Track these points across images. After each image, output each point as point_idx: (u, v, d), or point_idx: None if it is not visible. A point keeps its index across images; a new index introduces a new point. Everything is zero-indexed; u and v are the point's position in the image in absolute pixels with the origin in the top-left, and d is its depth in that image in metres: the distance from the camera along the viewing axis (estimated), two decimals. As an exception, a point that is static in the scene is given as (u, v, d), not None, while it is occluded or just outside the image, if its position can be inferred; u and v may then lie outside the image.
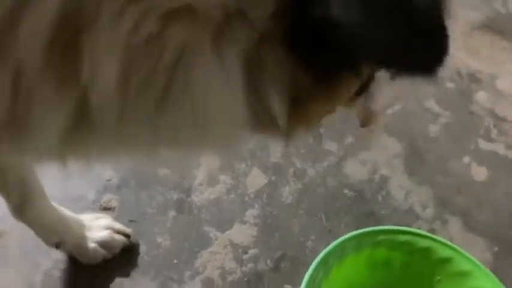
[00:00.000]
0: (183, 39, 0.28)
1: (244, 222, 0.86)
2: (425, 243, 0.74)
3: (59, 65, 0.28)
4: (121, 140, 0.34)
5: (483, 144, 1.05)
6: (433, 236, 0.75)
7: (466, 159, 1.01)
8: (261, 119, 0.34)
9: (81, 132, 0.32)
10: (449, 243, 0.73)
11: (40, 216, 0.70)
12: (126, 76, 0.29)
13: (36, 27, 0.26)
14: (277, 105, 0.33)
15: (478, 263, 0.71)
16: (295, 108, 0.35)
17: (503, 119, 1.11)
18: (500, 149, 1.05)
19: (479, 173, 0.99)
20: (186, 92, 0.30)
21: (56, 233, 0.73)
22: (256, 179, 0.93)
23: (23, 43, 0.27)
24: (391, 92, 1.14)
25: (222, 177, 0.93)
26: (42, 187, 0.69)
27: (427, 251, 0.74)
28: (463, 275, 0.70)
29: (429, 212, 0.91)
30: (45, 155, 0.37)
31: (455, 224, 0.90)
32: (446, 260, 0.73)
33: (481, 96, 1.16)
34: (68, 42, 0.27)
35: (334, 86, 0.36)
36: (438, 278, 0.72)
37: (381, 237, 0.75)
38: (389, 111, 1.10)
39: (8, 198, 0.66)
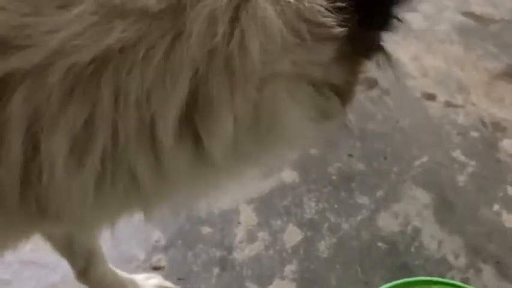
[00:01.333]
0: (271, 95, 0.37)
1: (283, 278, 0.92)
2: None
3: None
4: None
5: (512, 191, 1.08)
6: (466, 286, 0.77)
7: (496, 206, 1.05)
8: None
9: None
10: None
11: (101, 279, 0.77)
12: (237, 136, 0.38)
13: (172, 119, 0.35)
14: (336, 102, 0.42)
15: None
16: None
17: (531, 166, 1.14)
18: (529, 195, 1.07)
19: (510, 219, 1.02)
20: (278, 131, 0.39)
21: (114, 293, 0.80)
22: (293, 235, 0.99)
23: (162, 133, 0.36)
24: (418, 144, 1.19)
25: (260, 234, 0.99)
26: (103, 253, 0.77)
27: None
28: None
29: (462, 260, 0.94)
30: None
31: (488, 272, 0.92)
32: None
33: (507, 144, 1.20)
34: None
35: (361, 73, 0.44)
36: None
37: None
38: (417, 162, 1.15)
39: (73, 264, 0.75)
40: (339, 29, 0.37)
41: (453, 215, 1.03)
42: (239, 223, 1.02)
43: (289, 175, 1.12)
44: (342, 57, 0.39)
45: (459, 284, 0.78)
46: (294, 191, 1.09)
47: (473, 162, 1.15)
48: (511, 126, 1.25)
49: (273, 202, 1.06)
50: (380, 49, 0.42)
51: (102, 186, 0.36)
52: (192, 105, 0.35)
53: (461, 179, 1.11)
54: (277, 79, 0.37)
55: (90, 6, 0.32)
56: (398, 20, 0.41)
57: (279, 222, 1.02)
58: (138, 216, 0.95)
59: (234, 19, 0.34)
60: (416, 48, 1.53)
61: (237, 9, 0.34)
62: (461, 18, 1.60)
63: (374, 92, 1.35)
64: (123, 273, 0.83)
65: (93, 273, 0.76)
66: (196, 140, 0.37)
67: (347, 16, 0.37)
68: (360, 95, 1.34)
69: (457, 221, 1.02)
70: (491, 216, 1.03)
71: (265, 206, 1.05)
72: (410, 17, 1.60)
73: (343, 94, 0.42)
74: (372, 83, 1.38)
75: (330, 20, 0.36)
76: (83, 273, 0.75)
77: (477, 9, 1.63)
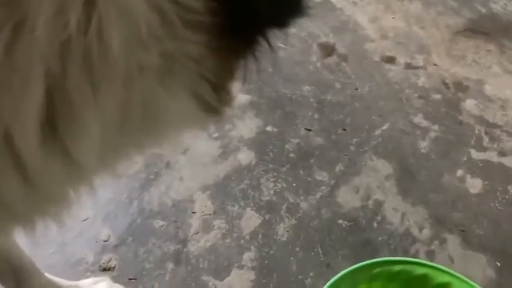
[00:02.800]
0: (142, 92, 0.32)
1: (242, 267, 0.87)
2: (421, 270, 0.74)
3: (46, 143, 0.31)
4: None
5: (475, 154, 1.04)
6: (429, 263, 0.74)
7: (460, 172, 1.01)
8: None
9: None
10: (446, 268, 0.72)
11: (38, 294, 0.71)
12: (104, 135, 0.32)
13: (29, 119, 0.29)
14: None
15: (476, 286, 0.70)
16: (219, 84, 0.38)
17: (494, 125, 1.10)
18: (493, 156, 1.04)
19: (474, 185, 0.99)
20: (158, 123, 0.35)
21: (57, 306, 0.75)
22: (250, 220, 0.94)
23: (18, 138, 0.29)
24: (378, 112, 1.14)
25: (216, 222, 0.94)
26: (35, 266, 0.71)
27: (424, 278, 0.73)
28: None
29: (426, 232, 0.91)
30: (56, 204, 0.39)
31: (453, 242, 0.89)
32: (445, 286, 0.72)
33: (470, 104, 1.16)
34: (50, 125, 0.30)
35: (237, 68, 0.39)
36: None
37: (376, 269, 0.74)
38: (377, 131, 1.10)
39: (2, 283, 0.68)
40: (210, 17, 0.31)
41: (416, 184, 0.99)
42: (194, 213, 0.96)
43: (245, 156, 1.06)
44: (215, 51, 0.33)
45: (421, 261, 0.74)
46: (251, 172, 1.03)
47: (435, 127, 1.10)
48: (473, 85, 1.20)
49: (229, 186, 1.01)
50: (257, 43, 0.36)
51: None
52: (52, 107, 0.30)
53: (423, 145, 1.07)
54: (146, 74, 0.32)
55: None
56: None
57: (236, 207, 0.97)
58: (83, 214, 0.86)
59: (90, 3, 0.28)
60: (375, 8, 1.46)
61: None
62: (420, -26, 1.53)
63: (331, 60, 1.28)
64: (65, 282, 0.77)
65: None
66: (64, 146, 0.32)
67: (218, 4, 0.31)
68: (317, 63, 1.28)
69: (420, 190, 0.98)
70: (455, 183, 0.99)
71: (221, 191, 1.00)
72: (368, -24, 1.53)
73: (220, 91, 0.36)
74: (330, 50, 1.31)
75: (200, 5, 0.30)
76: (15, 292, 0.69)
77: (436, -37, 1.56)
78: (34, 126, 0.29)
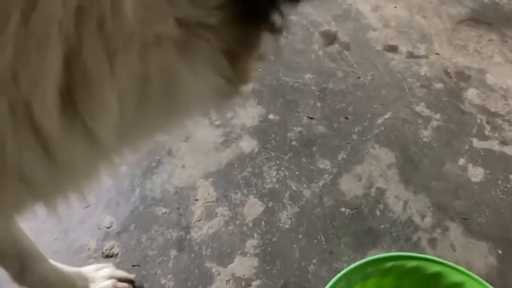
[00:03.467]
0: (161, 65, 0.31)
1: (245, 254, 0.87)
2: (435, 268, 0.72)
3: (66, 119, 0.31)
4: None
5: (477, 143, 1.04)
6: (443, 261, 0.72)
7: (461, 161, 1.01)
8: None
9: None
10: (460, 268, 0.71)
11: (42, 280, 0.71)
12: (123, 111, 0.32)
13: (49, 92, 0.29)
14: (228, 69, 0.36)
15: (489, 286, 0.69)
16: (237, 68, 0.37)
17: (496, 114, 1.10)
18: (495, 145, 1.04)
19: (476, 173, 0.99)
20: (179, 100, 0.34)
21: (60, 292, 0.74)
22: (253, 208, 0.94)
23: (39, 110, 0.29)
24: (380, 101, 1.14)
25: (219, 210, 0.94)
26: (39, 251, 0.70)
27: (438, 276, 0.72)
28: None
29: (428, 220, 0.91)
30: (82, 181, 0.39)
31: (455, 230, 0.90)
32: (459, 285, 0.71)
33: (471, 93, 1.16)
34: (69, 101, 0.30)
35: (255, 44, 0.38)
36: None
37: (389, 264, 0.73)
38: (380, 120, 1.10)
39: (7, 268, 0.68)
40: None
41: (418, 173, 0.99)
42: (196, 200, 0.96)
43: (248, 144, 1.06)
44: (233, 21, 0.32)
45: (436, 259, 0.72)
46: (253, 160, 1.03)
47: (437, 116, 1.10)
48: (475, 74, 1.20)
49: (232, 174, 1.01)
50: (273, 12, 0.35)
51: None
52: (70, 80, 0.29)
53: (425, 134, 1.07)
54: (164, 45, 0.31)
55: None
56: None
57: (238, 195, 0.97)
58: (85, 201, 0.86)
59: None
60: (377, -3, 1.45)
61: None
62: (422, -38, 1.52)
63: (333, 48, 1.28)
64: (69, 268, 0.77)
65: (31, 275, 0.69)
66: (83, 121, 0.31)
67: None
68: (319, 52, 1.27)
69: (422, 179, 0.98)
70: (457, 171, 0.99)
71: (224, 179, 1.00)
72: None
73: (238, 68, 0.36)
74: (331, 38, 1.31)
75: None
76: (19, 277, 0.68)
77: (438, -49, 1.55)
78: (53, 97, 0.28)
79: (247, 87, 0.42)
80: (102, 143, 0.32)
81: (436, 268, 0.72)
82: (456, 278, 0.71)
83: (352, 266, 0.69)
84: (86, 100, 0.30)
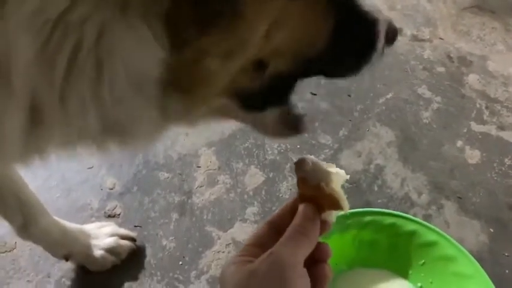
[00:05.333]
0: (97, 20, 0.32)
1: (245, 220, 0.89)
2: (411, 226, 0.76)
3: None
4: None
5: (475, 127, 1.07)
6: (419, 220, 0.76)
7: (459, 143, 1.03)
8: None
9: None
10: (434, 227, 0.75)
11: (45, 233, 0.72)
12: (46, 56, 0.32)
13: None
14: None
15: (461, 248, 0.72)
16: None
17: (495, 100, 1.13)
18: (492, 130, 1.06)
19: (473, 155, 1.01)
20: (115, 61, 0.34)
21: (63, 246, 0.76)
22: (254, 177, 0.96)
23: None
24: (383, 81, 1.16)
25: (221, 178, 0.96)
26: (42, 205, 0.71)
27: (413, 234, 0.76)
28: (447, 259, 0.72)
29: (424, 198, 0.93)
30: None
31: (450, 208, 0.92)
32: (432, 244, 0.74)
33: (472, 79, 1.17)
34: None
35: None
36: (423, 261, 0.74)
37: (368, 218, 0.77)
38: (382, 100, 1.12)
39: (10, 221, 0.69)
40: None
41: (417, 152, 1.01)
42: (199, 167, 0.98)
43: (250, 116, 1.07)
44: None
45: (412, 217, 0.76)
46: (256, 132, 1.04)
47: (438, 99, 1.12)
48: (477, 60, 1.22)
49: (234, 145, 1.02)
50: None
51: None
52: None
53: (425, 115, 1.09)
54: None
55: None
56: None
57: (240, 164, 0.98)
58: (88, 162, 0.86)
59: None
60: (384, -20, 1.46)
61: None
62: None
63: (339, 27, 1.29)
64: (71, 224, 0.79)
65: (34, 228, 0.70)
66: None
67: None
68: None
69: (421, 158, 1.00)
70: (455, 153, 1.02)
71: (226, 148, 1.01)
72: None
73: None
74: (337, 17, 1.31)
75: None
76: (23, 230, 0.70)
77: None
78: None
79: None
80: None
81: (412, 226, 0.76)
82: (430, 237, 0.74)
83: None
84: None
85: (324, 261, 0.46)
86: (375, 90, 1.13)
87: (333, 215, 0.47)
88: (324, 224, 0.46)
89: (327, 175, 0.45)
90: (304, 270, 0.42)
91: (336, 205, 0.45)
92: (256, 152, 1.00)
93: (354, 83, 1.15)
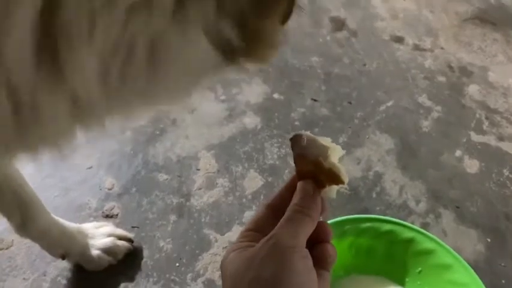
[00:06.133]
0: (148, 31, 0.30)
1: (243, 224, 0.89)
2: (408, 234, 0.75)
3: (46, 72, 0.29)
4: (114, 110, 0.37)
5: (475, 137, 1.07)
6: (417, 228, 0.76)
7: (458, 152, 1.04)
8: (227, 53, 0.35)
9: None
10: (432, 235, 0.74)
11: (43, 232, 0.72)
12: (106, 73, 0.31)
13: (22, 37, 0.27)
14: (234, 34, 0.33)
15: (458, 256, 0.72)
16: (250, 35, 0.35)
17: (495, 111, 1.13)
18: (491, 140, 1.07)
19: (471, 165, 1.02)
20: (167, 68, 0.32)
21: (60, 245, 0.76)
22: (253, 181, 0.96)
23: (11, 56, 0.27)
24: (383, 88, 1.16)
25: (220, 181, 0.96)
26: (41, 203, 0.71)
27: (410, 242, 0.75)
28: (444, 267, 0.72)
29: (422, 206, 0.94)
30: (62, 138, 0.38)
31: (448, 217, 0.92)
32: (429, 252, 0.74)
33: (473, 89, 1.18)
34: (49, 53, 0.29)
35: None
36: (420, 269, 0.74)
37: (365, 224, 0.76)
38: (382, 107, 1.12)
39: (9, 218, 0.68)
40: None
41: (416, 160, 1.02)
42: (198, 169, 0.98)
43: (251, 120, 1.07)
44: None
45: (410, 225, 0.76)
46: (256, 136, 1.05)
47: (438, 108, 1.12)
48: (477, 71, 1.23)
49: (234, 148, 1.02)
50: None
51: None
52: (49, 31, 0.28)
53: (425, 124, 1.09)
54: (153, 8, 0.29)
55: None
56: None
57: (239, 168, 0.99)
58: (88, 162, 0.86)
59: None
60: (387, -11, 1.47)
61: None
62: (433, -41, 1.54)
63: (341, 34, 1.29)
64: (69, 223, 0.78)
65: (32, 226, 0.70)
66: (64, 79, 0.30)
67: None
68: (327, 37, 1.29)
69: (420, 166, 1.00)
70: (454, 162, 1.02)
71: (225, 152, 1.01)
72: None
73: (252, 34, 0.34)
74: (340, 25, 1.32)
75: None
76: (21, 228, 0.69)
77: (450, -51, 1.56)
78: (27, 44, 0.27)
79: (269, 59, 0.40)
80: (85, 102, 0.32)
81: (409, 234, 0.75)
82: (428, 245, 0.74)
83: (330, 221, 0.72)
84: (65, 56, 0.29)
85: (327, 241, 0.44)
86: (376, 97, 1.14)
87: (333, 191, 0.45)
88: (324, 202, 0.45)
89: (324, 150, 0.44)
90: (306, 251, 0.41)
91: (336, 179, 0.44)
92: (256, 156, 1.01)
93: (355, 90, 1.15)
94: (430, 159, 1.02)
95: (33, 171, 0.89)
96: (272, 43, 0.38)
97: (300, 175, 0.46)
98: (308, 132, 0.45)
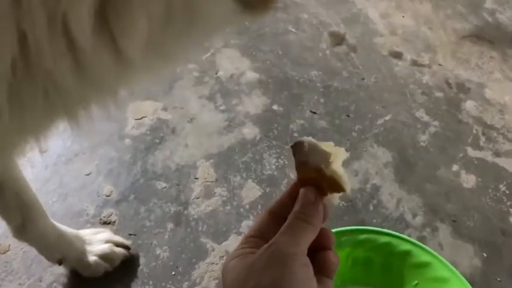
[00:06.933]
0: None
1: (240, 233, 0.89)
2: (405, 246, 0.75)
3: (99, 32, 0.33)
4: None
5: (472, 152, 1.08)
6: (414, 241, 0.76)
7: (455, 167, 1.05)
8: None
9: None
10: (428, 248, 0.75)
11: (42, 236, 0.72)
12: (152, 34, 0.34)
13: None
14: None
15: (454, 270, 0.72)
16: None
17: (491, 127, 1.14)
18: (488, 156, 1.08)
19: (468, 180, 1.02)
20: (199, 18, 0.36)
21: (57, 250, 0.76)
22: (251, 191, 0.96)
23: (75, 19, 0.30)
24: (382, 103, 1.17)
25: (218, 190, 0.96)
26: (41, 207, 0.72)
27: (407, 254, 0.75)
28: (440, 280, 0.72)
29: (419, 219, 0.94)
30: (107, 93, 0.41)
31: (444, 231, 0.93)
32: (425, 265, 0.74)
33: (470, 105, 1.19)
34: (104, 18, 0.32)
35: None
36: (416, 282, 0.74)
37: (362, 236, 0.77)
38: (380, 121, 1.13)
39: (9, 220, 0.69)
40: None
41: (413, 174, 1.02)
42: (196, 178, 0.98)
43: (250, 131, 1.08)
44: None
45: (407, 237, 0.76)
46: (254, 147, 1.05)
47: (435, 123, 1.14)
48: (474, 87, 1.24)
49: (232, 158, 1.03)
50: None
51: (18, 97, 0.33)
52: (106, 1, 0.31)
53: (423, 138, 1.10)
54: None
55: None
56: None
57: (237, 178, 0.99)
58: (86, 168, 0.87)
59: None
60: (387, 5, 1.49)
61: None
62: (432, -23, 1.57)
63: (340, 49, 1.31)
64: (67, 229, 0.79)
65: (31, 229, 0.70)
66: (114, 38, 0.34)
67: None
68: (326, 51, 1.30)
69: (417, 180, 1.01)
70: (451, 176, 1.03)
71: (224, 161, 1.02)
72: (382, -26, 1.56)
73: None
74: (339, 39, 1.34)
75: None
76: (20, 230, 0.69)
77: (449, -32, 1.59)
78: (88, 12, 0.31)
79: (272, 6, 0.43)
80: (129, 58, 0.35)
81: (406, 246, 0.75)
82: (424, 258, 0.74)
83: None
84: (119, 19, 0.32)
85: (329, 248, 0.44)
86: (374, 111, 1.15)
87: (335, 198, 0.45)
88: (326, 208, 0.44)
89: (326, 156, 0.43)
90: (307, 259, 0.41)
91: (338, 187, 0.43)
92: (254, 166, 1.01)
93: (354, 103, 1.16)
94: (427, 173, 1.03)
95: (32, 177, 0.90)
96: None
97: (302, 182, 0.45)
98: (310, 138, 0.45)
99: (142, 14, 0.33)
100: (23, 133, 0.40)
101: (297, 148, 0.44)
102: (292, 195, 0.46)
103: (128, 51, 0.34)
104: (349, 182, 0.44)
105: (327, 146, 0.45)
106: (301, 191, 0.45)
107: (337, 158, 0.44)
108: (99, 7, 0.31)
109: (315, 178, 0.44)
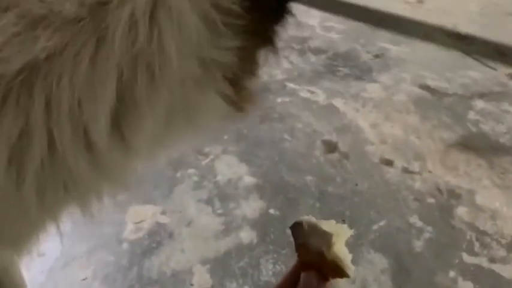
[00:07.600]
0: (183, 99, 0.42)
1: None
2: None
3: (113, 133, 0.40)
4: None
5: (467, 258, 1.08)
6: None
7: (452, 273, 1.04)
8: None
9: None
10: None
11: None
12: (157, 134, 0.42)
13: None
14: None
15: None
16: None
17: (484, 233, 1.16)
18: (484, 262, 1.08)
19: (466, 287, 1.02)
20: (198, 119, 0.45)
21: None
22: (248, 298, 0.95)
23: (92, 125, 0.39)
24: (376, 208, 1.20)
25: (214, 297, 0.95)
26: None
27: None
28: None
29: (420, 329, 0.92)
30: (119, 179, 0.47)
31: None
32: None
33: (462, 211, 1.22)
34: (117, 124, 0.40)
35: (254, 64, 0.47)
36: None
37: None
38: (375, 226, 1.15)
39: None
40: (245, 17, 0.39)
41: (410, 280, 1.02)
42: (192, 285, 0.97)
43: (247, 235, 1.09)
44: (241, 56, 0.42)
45: None
46: (251, 252, 1.06)
47: (429, 228, 1.15)
48: (465, 193, 1.28)
49: (228, 263, 1.03)
50: (271, 41, 0.46)
51: (44, 191, 0.37)
52: (120, 109, 0.38)
53: (418, 244, 1.11)
54: (186, 83, 0.40)
55: (11, 19, 0.33)
56: (291, 14, 0.46)
57: (234, 284, 0.98)
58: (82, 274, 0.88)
59: (152, 17, 0.36)
60: (376, 116, 1.58)
61: (154, 5, 0.36)
62: (417, 91, 1.69)
63: (333, 156, 1.37)
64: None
65: None
66: (124, 137, 0.40)
67: (249, 6, 0.40)
68: (320, 157, 1.36)
69: (415, 287, 1.00)
70: (448, 283, 1.02)
71: (220, 267, 1.02)
72: (371, 87, 1.68)
73: (240, 90, 0.45)
74: (332, 147, 1.41)
75: (236, 6, 0.39)
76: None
77: (432, 83, 1.72)
78: (105, 120, 0.37)
79: (252, 104, 0.51)
80: (135, 151, 0.42)
81: None
82: None
83: None
84: (130, 122, 0.39)
85: None
86: (368, 217, 1.17)
87: (338, 284, 0.43)
88: None
89: (327, 237, 0.41)
90: None
91: (341, 272, 0.41)
92: (251, 272, 1.01)
93: (348, 208, 1.19)
94: (425, 280, 1.02)
95: (27, 282, 0.89)
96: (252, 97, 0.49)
97: (303, 266, 0.43)
98: (309, 217, 0.43)
99: (149, 116, 0.39)
100: (42, 225, 0.44)
101: (296, 229, 0.43)
102: (293, 279, 0.45)
103: (135, 146, 0.40)
104: (352, 267, 0.42)
105: (328, 225, 0.43)
106: (303, 276, 0.43)
107: (340, 238, 0.43)
108: (115, 114, 0.37)
109: (316, 261, 0.42)
